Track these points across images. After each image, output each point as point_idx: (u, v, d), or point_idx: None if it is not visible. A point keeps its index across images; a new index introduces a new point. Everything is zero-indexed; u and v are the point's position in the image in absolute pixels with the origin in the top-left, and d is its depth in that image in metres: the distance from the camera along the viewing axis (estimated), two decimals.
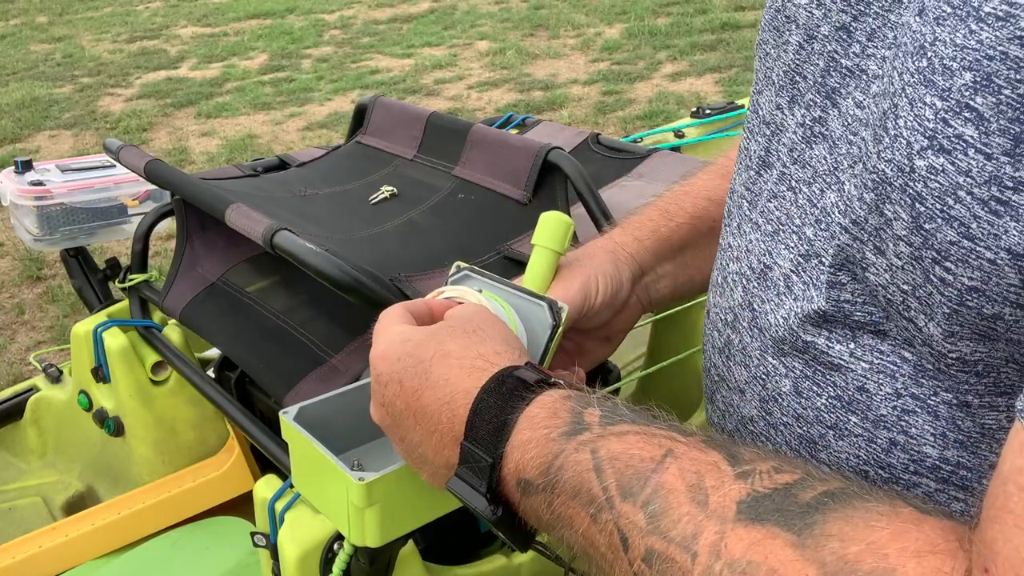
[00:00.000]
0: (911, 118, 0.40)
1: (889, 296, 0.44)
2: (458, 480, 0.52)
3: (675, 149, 1.99)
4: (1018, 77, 0.36)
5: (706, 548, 0.39)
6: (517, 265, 1.17)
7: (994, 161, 0.37)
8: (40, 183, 1.52)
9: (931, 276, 0.41)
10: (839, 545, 0.36)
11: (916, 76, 0.40)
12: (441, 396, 0.54)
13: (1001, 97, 0.36)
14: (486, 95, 5.64)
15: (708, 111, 2.16)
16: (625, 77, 5.66)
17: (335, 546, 0.97)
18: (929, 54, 0.40)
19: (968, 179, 0.37)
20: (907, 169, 0.40)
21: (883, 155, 0.41)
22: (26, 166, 1.57)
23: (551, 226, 0.67)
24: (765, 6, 0.56)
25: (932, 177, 0.39)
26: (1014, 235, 0.37)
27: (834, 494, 0.38)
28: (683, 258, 0.75)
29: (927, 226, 0.40)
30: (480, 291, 0.63)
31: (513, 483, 0.50)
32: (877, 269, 0.44)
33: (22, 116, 5.80)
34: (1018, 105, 0.36)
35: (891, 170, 0.41)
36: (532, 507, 0.50)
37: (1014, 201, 0.36)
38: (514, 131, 1.83)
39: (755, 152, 0.56)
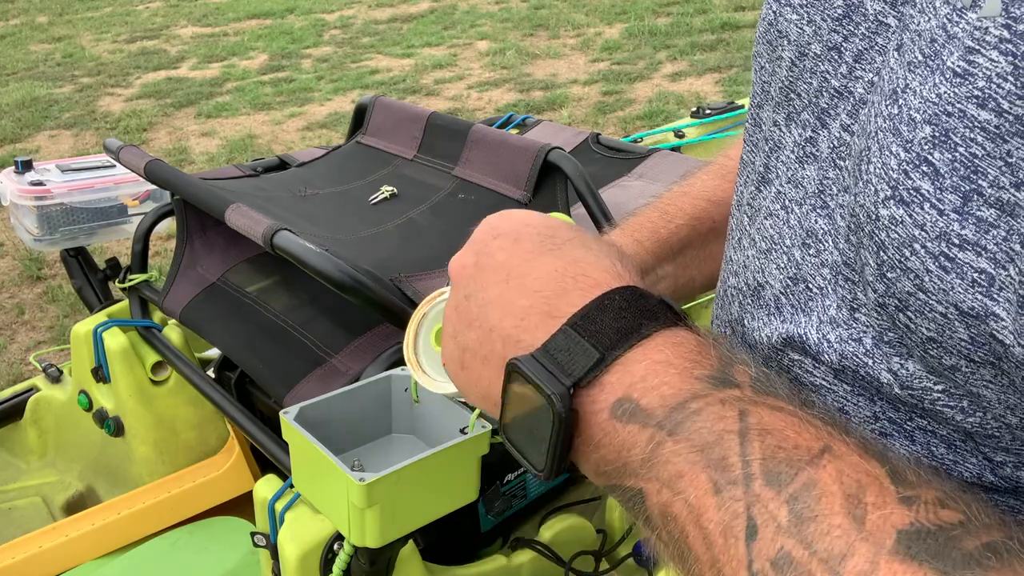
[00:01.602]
0: (879, 165, 0.40)
1: (875, 337, 0.44)
2: (532, 360, 0.43)
3: (675, 149, 1.99)
4: (971, 136, 0.36)
5: (853, 575, 0.34)
6: None
7: (945, 217, 0.37)
8: (40, 183, 1.52)
9: (897, 323, 0.41)
10: None
11: (887, 122, 0.40)
12: (562, 268, 0.46)
13: (956, 154, 0.36)
14: (486, 95, 5.64)
15: (708, 111, 2.16)
16: (625, 77, 5.66)
17: (335, 546, 0.97)
18: (900, 101, 0.40)
19: (923, 233, 0.38)
20: (873, 216, 0.40)
21: (858, 199, 0.42)
22: (26, 166, 1.57)
23: None
24: (760, 18, 0.56)
25: (892, 227, 0.39)
26: (959, 292, 0.37)
27: (997, 548, 0.35)
28: (683, 259, 0.75)
29: (889, 275, 0.40)
30: None
31: (610, 399, 0.41)
32: (867, 309, 0.44)
33: (22, 116, 5.80)
34: (970, 164, 0.36)
35: (863, 215, 0.41)
36: (618, 438, 0.41)
37: (959, 259, 0.37)
38: (514, 131, 1.83)
39: (758, 167, 0.56)
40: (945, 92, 0.37)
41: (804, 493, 0.36)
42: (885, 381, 0.44)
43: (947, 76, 0.37)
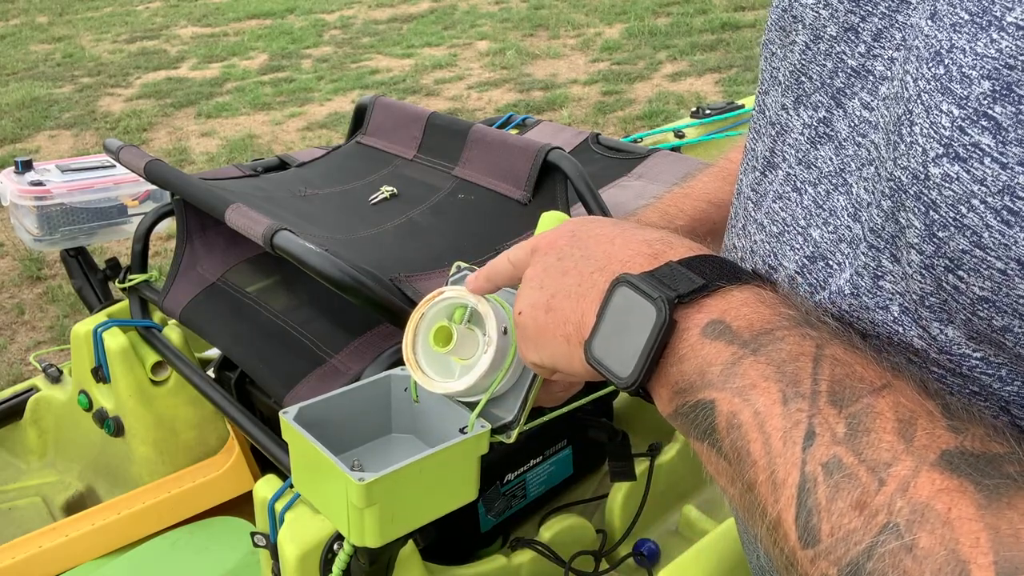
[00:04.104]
0: (927, 125, 0.40)
1: (905, 304, 0.44)
2: (639, 276, 0.47)
3: (675, 149, 1.99)
4: None
5: (895, 479, 0.37)
6: None
7: (1009, 171, 0.37)
8: (40, 183, 1.52)
9: (944, 284, 0.41)
10: (1018, 519, 0.34)
11: (933, 83, 0.40)
12: (666, 235, 0.52)
13: (1022, 107, 0.36)
14: (486, 95, 5.64)
15: (708, 111, 2.16)
16: (625, 77, 5.66)
17: (335, 546, 0.97)
18: (946, 61, 0.39)
19: (982, 188, 0.37)
20: (922, 176, 0.40)
21: (899, 162, 0.41)
22: (26, 166, 1.57)
23: (550, 225, 0.67)
24: (772, 5, 0.56)
25: (946, 185, 0.39)
26: (1023, 245, 0.37)
27: None
28: None
29: (940, 234, 0.40)
30: None
31: (704, 319, 0.45)
32: (893, 277, 0.44)
33: (22, 116, 5.80)
34: None
35: (906, 177, 0.41)
36: (703, 352, 0.45)
37: None
38: (514, 131, 1.83)
39: (761, 153, 0.56)
40: (1007, 46, 0.37)
41: (862, 414, 0.40)
42: (919, 347, 0.45)
43: (1008, 31, 0.37)
